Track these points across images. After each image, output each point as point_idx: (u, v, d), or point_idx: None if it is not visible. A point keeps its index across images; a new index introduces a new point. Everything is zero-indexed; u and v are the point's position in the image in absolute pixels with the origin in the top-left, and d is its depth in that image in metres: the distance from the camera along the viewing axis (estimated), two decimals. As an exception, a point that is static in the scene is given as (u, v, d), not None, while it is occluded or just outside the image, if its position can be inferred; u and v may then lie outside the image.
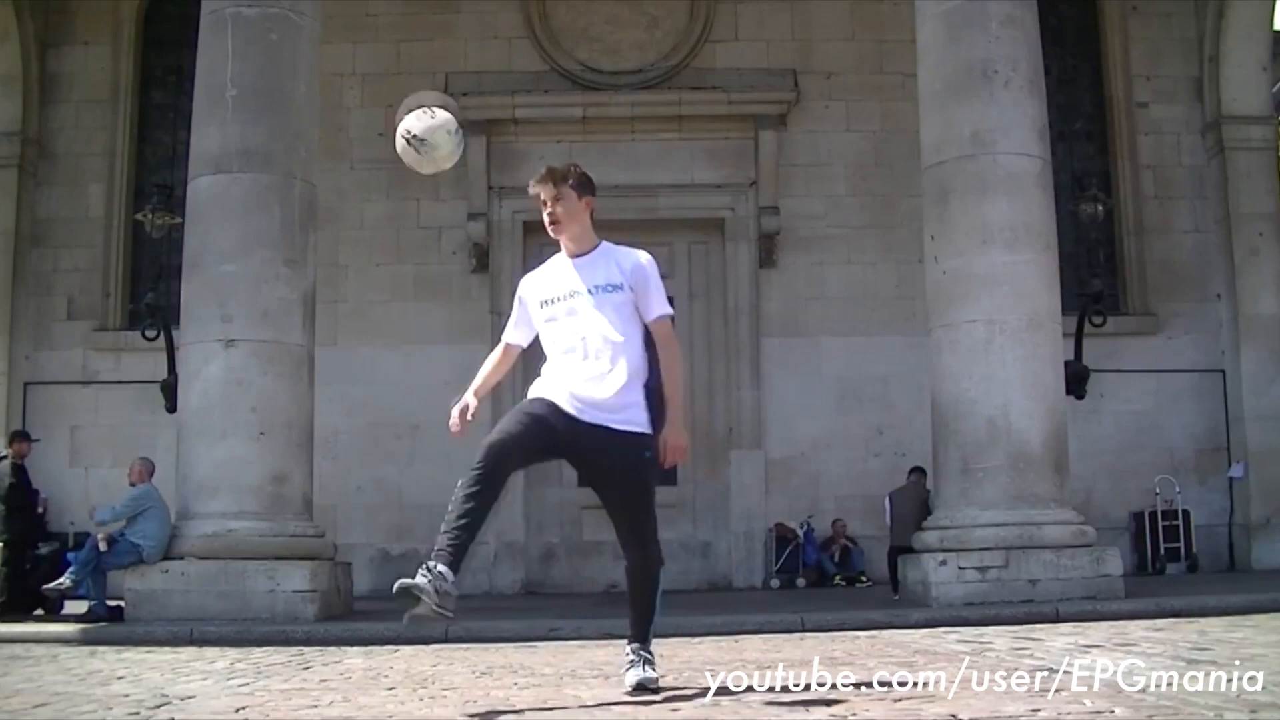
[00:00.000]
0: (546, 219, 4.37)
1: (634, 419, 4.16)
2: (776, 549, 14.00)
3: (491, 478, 3.90)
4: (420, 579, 3.71)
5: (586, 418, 4.13)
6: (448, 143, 4.28)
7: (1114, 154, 15.29)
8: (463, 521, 3.83)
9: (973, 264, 9.55)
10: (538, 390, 4.23)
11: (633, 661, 4.29)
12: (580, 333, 4.22)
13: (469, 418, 4.25)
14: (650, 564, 4.28)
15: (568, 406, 4.14)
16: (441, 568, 3.76)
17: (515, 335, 4.50)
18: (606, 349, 4.17)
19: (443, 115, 4.27)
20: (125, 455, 10.87)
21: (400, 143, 4.28)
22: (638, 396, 4.19)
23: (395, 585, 3.72)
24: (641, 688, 4.20)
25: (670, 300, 4.45)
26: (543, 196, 4.33)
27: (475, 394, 4.36)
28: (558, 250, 4.54)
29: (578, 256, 4.38)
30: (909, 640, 6.82)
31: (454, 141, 4.29)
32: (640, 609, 4.31)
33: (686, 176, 14.74)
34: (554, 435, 4.11)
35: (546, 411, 4.12)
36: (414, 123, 4.25)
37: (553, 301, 4.31)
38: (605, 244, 4.45)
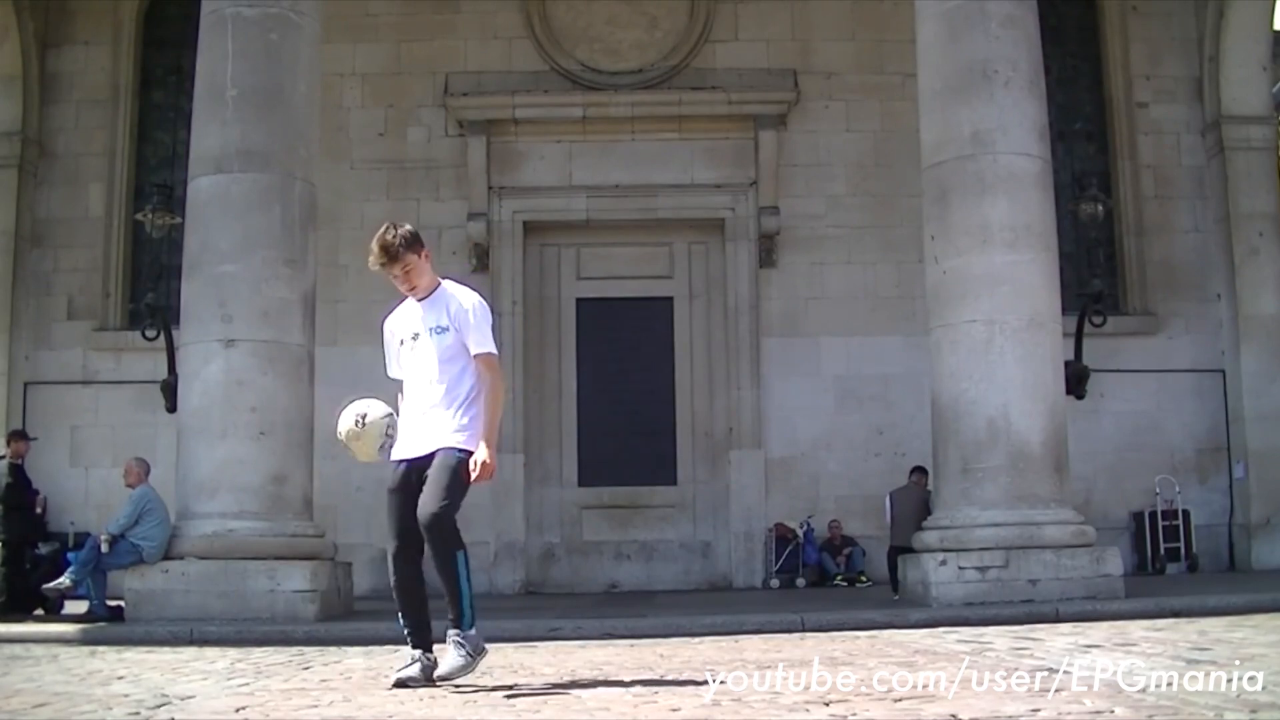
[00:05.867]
0: (403, 288, 4.88)
1: (454, 438, 4.70)
2: (776, 549, 14.00)
3: (409, 569, 4.71)
4: (416, 670, 4.63)
5: (424, 450, 4.71)
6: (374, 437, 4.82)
7: (1114, 154, 15.29)
8: (413, 607, 4.72)
9: (973, 264, 9.55)
10: (396, 447, 4.83)
11: (449, 647, 4.63)
12: (418, 369, 4.84)
13: None
14: (440, 546, 4.55)
15: (412, 451, 4.75)
16: (422, 654, 4.67)
17: (397, 371, 5.02)
18: (436, 383, 4.78)
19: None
20: (125, 455, 10.86)
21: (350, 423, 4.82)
22: (461, 421, 4.73)
23: (394, 682, 4.64)
24: (446, 679, 4.58)
25: (495, 338, 4.99)
26: (394, 274, 4.81)
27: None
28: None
29: (422, 299, 4.91)
30: (909, 640, 6.81)
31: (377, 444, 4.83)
32: (448, 591, 4.61)
33: (686, 176, 14.74)
34: (418, 484, 4.68)
35: (403, 479, 4.73)
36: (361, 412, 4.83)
37: (403, 341, 4.92)
38: (443, 286, 4.96)
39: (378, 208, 14.58)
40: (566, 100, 14.77)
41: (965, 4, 9.79)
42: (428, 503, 4.54)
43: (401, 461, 4.77)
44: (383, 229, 4.82)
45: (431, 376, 4.76)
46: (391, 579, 4.73)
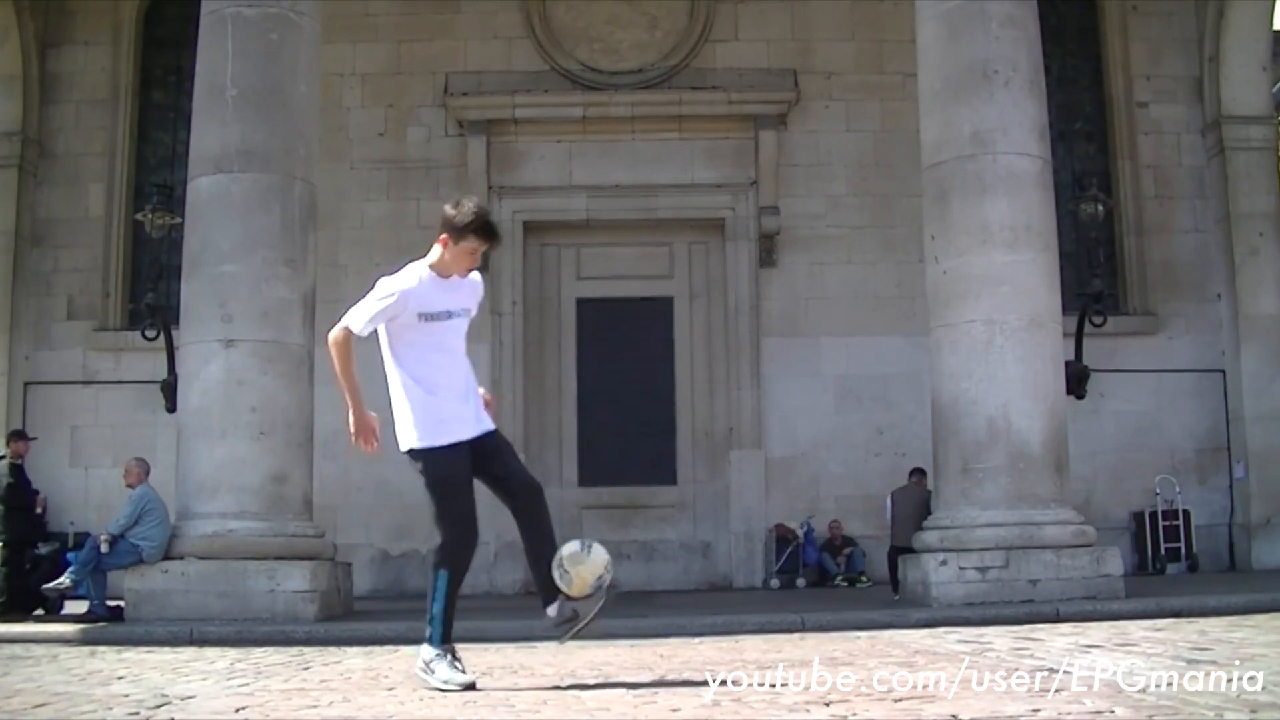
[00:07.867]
0: (468, 266, 4.86)
1: (491, 417, 4.90)
2: (776, 549, 14.00)
3: (472, 541, 4.86)
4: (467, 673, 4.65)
5: (477, 430, 4.79)
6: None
7: (1114, 154, 15.29)
8: (455, 599, 4.76)
9: (973, 264, 9.55)
10: (446, 430, 4.75)
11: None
12: (452, 348, 4.82)
13: (376, 435, 4.88)
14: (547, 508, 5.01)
15: (470, 432, 4.77)
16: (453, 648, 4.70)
17: (365, 328, 4.84)
18: (464, 364, 4.87)
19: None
20: (125, 455, 10.86)
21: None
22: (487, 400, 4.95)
23: (464, 684, 4.55)
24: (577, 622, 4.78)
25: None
26: (477, 251, 4.82)
27: (364, 406, 4.86)
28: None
29: (447, 278, 4.84)
30: (909, 640, 6.81)
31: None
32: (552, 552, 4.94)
33: (686, 176, 14.74)
34: (473, 464, 4.81)
35: (465, 461, 4.79)
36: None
37: (433, 317, 4.77)
38: None
39: (378, 208, 14.61)
40: (566, 100, 14.77)
41: (965, 4, 9.79)
42: (527, 472, 4.92)
43: (461, 443, 4.74)
44: (477, 203, 4.79)
45: (461, 357, 4.83)
46: (454, 569, 4.71)
